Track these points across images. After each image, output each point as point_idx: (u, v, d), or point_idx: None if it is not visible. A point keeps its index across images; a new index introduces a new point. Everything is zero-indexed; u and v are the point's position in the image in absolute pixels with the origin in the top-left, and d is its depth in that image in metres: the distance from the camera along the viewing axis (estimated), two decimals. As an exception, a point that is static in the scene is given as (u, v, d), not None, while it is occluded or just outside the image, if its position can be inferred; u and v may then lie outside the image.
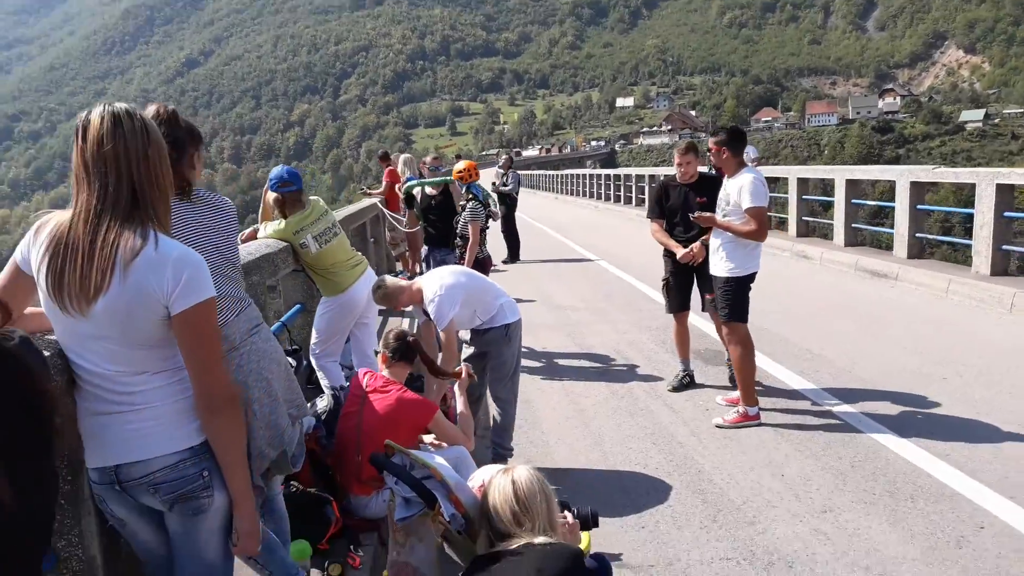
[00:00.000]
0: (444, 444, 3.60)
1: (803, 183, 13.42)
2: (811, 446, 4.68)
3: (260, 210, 4.72)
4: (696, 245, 5.65)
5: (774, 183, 14.85)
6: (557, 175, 40.28)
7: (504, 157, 16.96)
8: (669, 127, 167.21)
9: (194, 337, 1.91)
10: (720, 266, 5.19)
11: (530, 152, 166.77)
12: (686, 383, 5.95)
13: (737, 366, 5.17)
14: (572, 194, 34.22)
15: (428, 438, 3.67)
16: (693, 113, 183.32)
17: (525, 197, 41.95)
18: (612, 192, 27.01)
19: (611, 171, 30.62)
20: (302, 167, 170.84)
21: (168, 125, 2.38)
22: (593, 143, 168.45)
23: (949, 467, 4.24)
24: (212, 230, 2.53)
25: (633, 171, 27.24)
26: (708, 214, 5.25)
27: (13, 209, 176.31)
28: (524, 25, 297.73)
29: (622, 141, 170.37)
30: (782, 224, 14.16)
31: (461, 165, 7.24)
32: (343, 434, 3.62)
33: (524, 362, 6.87)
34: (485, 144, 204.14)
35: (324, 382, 4.70)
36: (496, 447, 4.48)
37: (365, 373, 3.70)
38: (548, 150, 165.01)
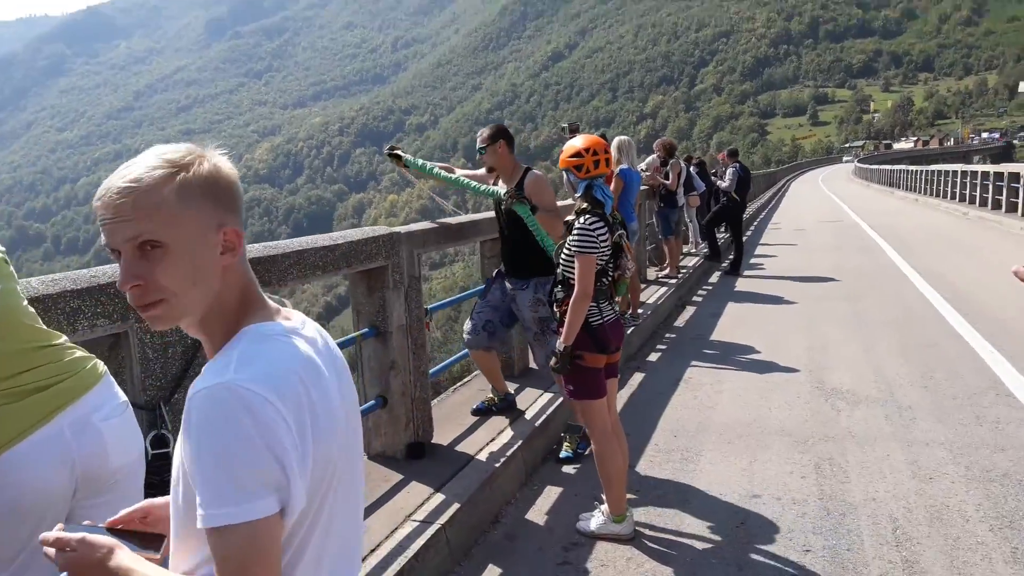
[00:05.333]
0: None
1: None
2: None
3: None
4: None
5: None
6: (921, 171, 33.05)
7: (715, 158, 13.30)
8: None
9: None
10: None
11: (903, 144, 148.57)
12: None
13: None
14: (938, 196, 27.54)
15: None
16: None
17: (875, 196, 35.57)
18: (992, 196, 20.51)
19: (999, 168, 23.13)
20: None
21: None
22: (984, 135, 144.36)
23: None
24: None
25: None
26: None
27: (399, 195, 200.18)
28: (908, 0, 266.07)
29: (1023, 133, 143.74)
30: None
31: (578, 143, 3.63)
32: None
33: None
34: (849, 135, 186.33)
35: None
36: None
37: None
38: (926, 143, 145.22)
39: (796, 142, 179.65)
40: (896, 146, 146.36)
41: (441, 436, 4.41)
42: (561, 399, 5.17)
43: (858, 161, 74.81)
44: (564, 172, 3.61)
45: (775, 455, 4.52)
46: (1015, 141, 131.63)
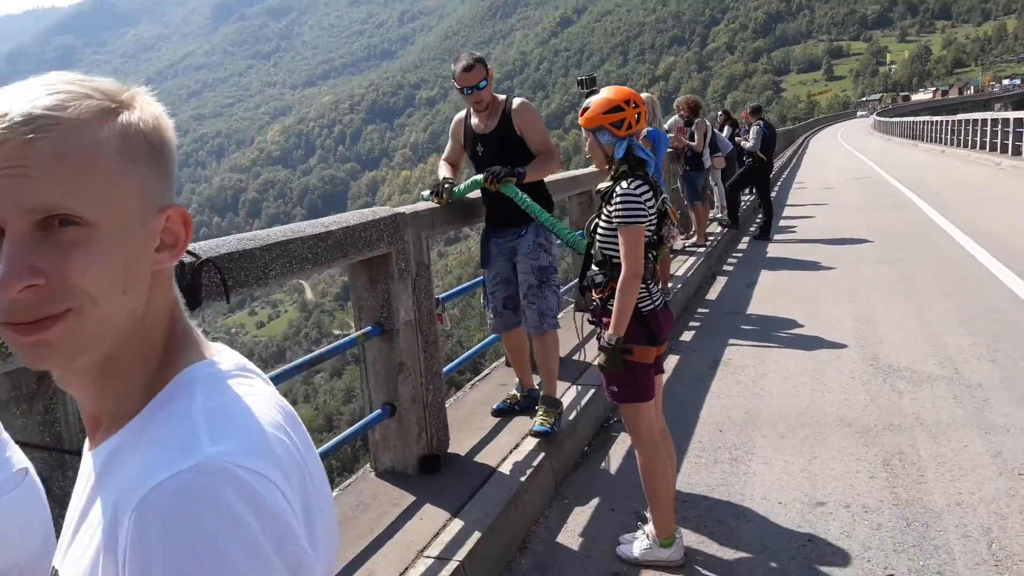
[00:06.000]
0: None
1: None
2: None
3: None
4: None
5: None
6: (946, 121, 31.98)
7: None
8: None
9: None
10: None
11: (921, 96, 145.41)
12: None
13: None
14: (966, 147, 26.57)
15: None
16: None
17: (898, 149, 34.48)
18: (1025, 143, 19.65)
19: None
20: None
21: None
22: (1005, 82, 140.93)
23: None
24: None
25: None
26: None
27: (412, 170, 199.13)
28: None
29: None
30: None
31: (612, 95, 2.96)
32: None
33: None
34: (866, 88, 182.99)
35: None
36: None
37: None
38: (944, 92, 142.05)
39: (812, 98, 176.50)
40: (914, 97, 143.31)
41: (458, 444, 3.92)
42: (592, 391, 4.68)
43: (877, 115, 73.31)
44: (592, 132, 3.00)
45: (836, 451, 3.99)
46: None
